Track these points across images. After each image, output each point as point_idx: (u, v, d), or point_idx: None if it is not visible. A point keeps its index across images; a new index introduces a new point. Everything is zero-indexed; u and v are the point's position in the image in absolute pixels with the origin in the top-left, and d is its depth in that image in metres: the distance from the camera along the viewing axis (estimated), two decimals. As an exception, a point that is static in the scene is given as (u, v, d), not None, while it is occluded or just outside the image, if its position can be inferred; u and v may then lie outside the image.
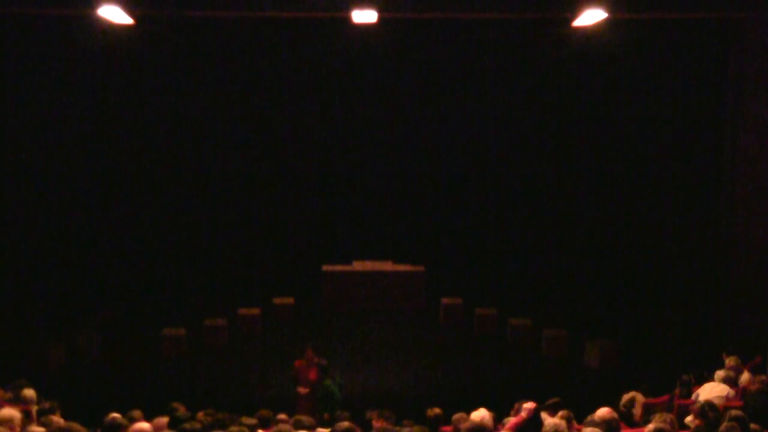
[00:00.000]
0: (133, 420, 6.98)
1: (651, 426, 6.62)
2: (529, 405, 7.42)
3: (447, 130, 18.52)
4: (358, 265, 17.73)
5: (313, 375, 11.28)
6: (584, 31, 14.02)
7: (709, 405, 6.98)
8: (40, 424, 7.18)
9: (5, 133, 16.09)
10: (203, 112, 17.96)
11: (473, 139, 18.58)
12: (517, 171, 18.51)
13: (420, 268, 17.59)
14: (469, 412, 7.75)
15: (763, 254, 13.73)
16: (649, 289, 16.74)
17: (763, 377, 9.45)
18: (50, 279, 16.55)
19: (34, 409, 8.04)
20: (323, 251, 18.35)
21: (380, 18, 12.62)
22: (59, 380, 13.08)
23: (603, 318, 16.29)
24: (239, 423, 7.53)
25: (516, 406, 7.97)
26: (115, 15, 12.17)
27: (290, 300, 16.95)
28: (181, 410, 7.91)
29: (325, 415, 10.64)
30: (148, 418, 7.55)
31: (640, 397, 10.37)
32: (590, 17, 12.46)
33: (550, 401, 8.34)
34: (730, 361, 10.43)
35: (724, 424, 6.48)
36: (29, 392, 8.52)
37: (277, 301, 16.87)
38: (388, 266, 17.70)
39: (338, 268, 17.64)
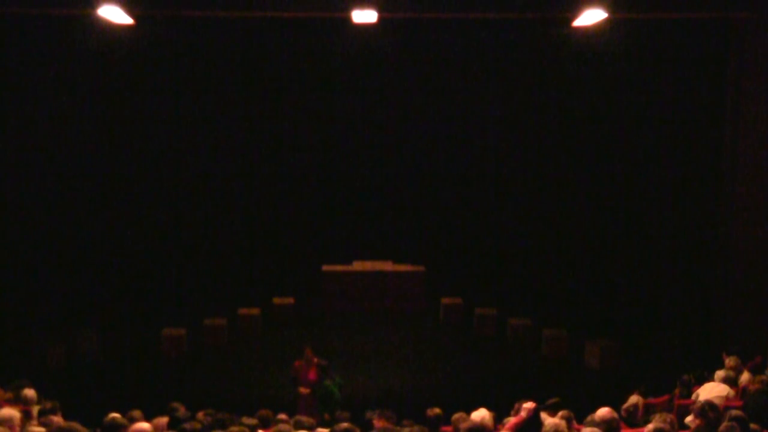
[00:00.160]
0: (133, 420, 6.98)
1: (651, 426, 6.62)
2: (529, 405, 7.42)
3: (447, 130, 18.52)
4: (358, 265, 17.73)
5: (312, 375, 11.27)
6: (584, 31, 14.02)
7: (709, 405, 6.97)
8: (41, 424, 7.19)
9: (5, 133, 16.11)
10: (203, 112, 17.95)
11: (473, 139, 18.57)
12: (517, 171, 18.51)
13: (420, 268, 17.59)
14: (469, 412, 7.75)
15: (763, 254, 13.73)
16: (649, 290, 16.74)
17: (763, 377, 9.43)
18: (50, 279, 16.55)
19: (35, 409, 8.04)
20: (323, 251, 18.35)
21: (380, 18, 12.61)
22: (59, 380, 13.08)
23: (603, 318, 16.29)
24: (239, 423, 7.53)
25: (516, 406, 7.97)
26: (115, 15, 12.16)
27: (290, 300, 16.95)
28: (181, 410, 7.91)
29: (325, 416, 10.64)
30: (148, 418, 7.56)
31: (640, 401, 10.36)
32: (590, 17, 12.45)
33: (550, 401, 8.34)
34: (730, 361, 10.42)
35: (724, 424, 6.48)
36: (29, 392, 8.52)
37: (277, 301, 16.86)
38: (388, 266, 17.70)
39: (338, 268, 17.64)
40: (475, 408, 7.89)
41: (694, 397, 9.54)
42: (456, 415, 7.53)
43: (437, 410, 7.62)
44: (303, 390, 11.24)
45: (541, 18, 14.51)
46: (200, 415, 8.45)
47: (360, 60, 17.47)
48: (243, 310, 16.18)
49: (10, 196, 16.33)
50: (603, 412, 7.48)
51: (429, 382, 13.65)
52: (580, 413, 7.94)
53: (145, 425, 6.73)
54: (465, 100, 18.28)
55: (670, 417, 6.95)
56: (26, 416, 7.52)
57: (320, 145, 18.76)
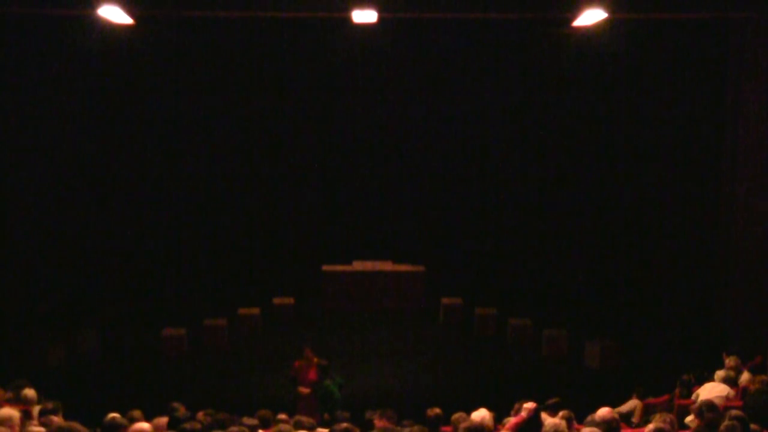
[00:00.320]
0: (133, 420, 6.98)
1: (651, 426, 6.62)
2: (529, 405, 7.42)
3: (447, 130, 18.51)
4: (358, 265, 17.72)
5: (312, 375, 11.27)
6: (584, 31, 14.03)
7: (706, 405, 6.96)
8: (41, 423, 7.19)
9: (5, 133, 16.11)
10: (203, 112, 17.95)
11: (473, 139, 18.57)
12: (517, 171, 18.51)
13: (420, 268, 17.59)
14: (469, 412, 7.75)
15: (763, 254, 13.73)
16: (650, 289, 16.74)
17: (763, 377, 9.44)
18: (50, 279, 16.56)
19: (35, 409, 8.04)
20: (323, 251, 18.35)
21: (380, 18, 12.62)
22: (59, 380, 13.06)
23: (603, 318, 16.29)
24: (239, 423, 7.52)
25: (516, 406, 7.97)
26: (115, 15, 12.17)
27: (290, 300, 16.94)
28: (181, 410, 7.91)
29: (325, 416, 10.63)
30: (148, 418, 7.56)
31: (638, 405, 10.37)
32: (590, 17, 12.46)
33: (550, 401, 8.34)
34: (730, 361, 10.43)
35: (725, 423, 6.48)
36: (29, 392, 8.52)
37: (277, 301, 16.86)
38: (388, 266, 17.70)
39: (338, 268, 17.64)
40: (475, 408, 7.88)
41: (694, 397, 9.55)
42: (456, 415, 7.53)
43: (437, 410, 7.61)
44: (303, 390, 11.23)
45: (541, 18, 14.52)
46: (200, 415, 8.44)
47: (360, 60, 17.46)
48: (243, 310, 16.18)
49: (11, 195, 16.34)
50: (603, 412, 7.49)
51: (429, 382, 13.65)
52: (580, 413, 7.94)
53: (145, 425, 6.73)
54: (465, 100, 18.27)
55: (670, 417, 6.95)
56: (26, 416, 7.51)
57: (320, 145, 18.76)
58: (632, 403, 10.36)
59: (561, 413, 7.65)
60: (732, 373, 10.02)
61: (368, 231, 18.66)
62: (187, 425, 7.02)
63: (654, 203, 17.00)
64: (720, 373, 9.95)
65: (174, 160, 18.13)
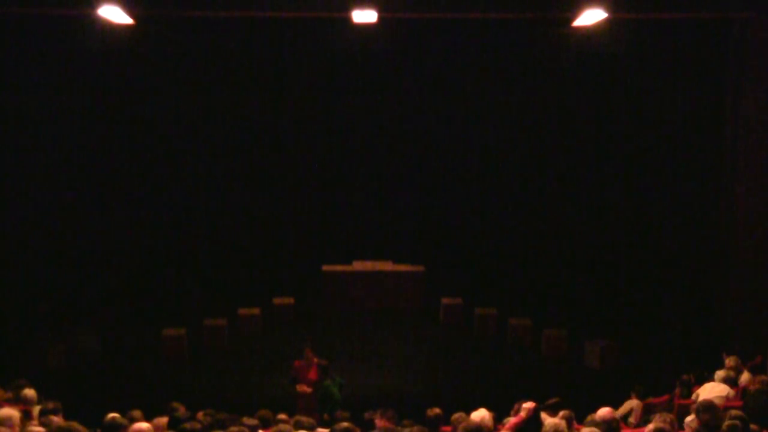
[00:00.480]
0: (133, 420, 6.97)
1: (651, 426, 6.62)
2: (528, 405, 7.42)
3: (447, 130, 18.51)
4: (358, 265, 17.72)
5: (313, 375, 11.27)
6: (584, 31, 14.02)
7: (703, 406, 6.93)
8: (41, 423, 7.18)
9: (5, 133, 16.11)
10: (203, 112, 17.95)
11: (473, 139, 18.56)
12: (517, 171, 18.50)
13: (420, 268, 17.58)
14: (469, 412, 7.75)
15: (763, 254, 13.73)
16: (650, 289, 16.74)
17: (763, 377, 9.44)
18: (50, 279, 16.56)
19: (35, 409, 8.04)
20: (323, 251, 18.34)
21: (380, 18, 12.61)
22: (59, 380, 13.07)
23: (603, 318, 16.28)
24: (239, 423, 7.52)
25: (516, 406, 7.98)
26: (115, 15, 12.16)
27: (290, 300, 16.93)
28: (181, 410, 7.91)
29: (325, 416, 10.63)
30: (148, 418, 7.55)
31: (637, 405, 10.36)
32: (590, 17, 12.45)
33: (550, 401, 8.34)
34: (730, 361, 10.44)
35: (726, 423, 6.48)
36: (29, 392, 8.52)
37: (277, 301, 16.85)
38: (388, 266, 17.69)
39: (338, 268, 17.64)
40: (475, 408, 7.89)
41: (694, 397, 9.55)
42: (456, 415, 7.53)
43: (437, 410, 7.62)
44: (306, 389, 11.19)
45: (541, 18, 14.51)
46: (200, 415, 8.44)
47: (360, 60, 17.46)
48: (243, 310, 16.17)
49: (11, 195, 16.34)
50: (603, 412, 7.50)
51: (429, 382, 13.64)
52: (580, 413, 7.94)
53: (145, 425, 6.72)
54: (465, 100, 18.27)
55: (670, 417, 6.95)
56: (26, 416, 7.52)
57: (320, 145, 18.76)
58: (630, 404, 10.35)
59: (561, 413, 7.66)
60: (732, 373, 10.02)
61: (368, 231, 18.67)
62: (187, 425, 7.01)
63: (654, 203, 16.99)
64: (720, 373, 9.96)
65: (174, 160, 18.13)
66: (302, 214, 18.83)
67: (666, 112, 16.46)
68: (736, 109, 14.12)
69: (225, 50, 17.49)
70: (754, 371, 10.28)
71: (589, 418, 7.52)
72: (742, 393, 9.58)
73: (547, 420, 7.13)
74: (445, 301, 16.96)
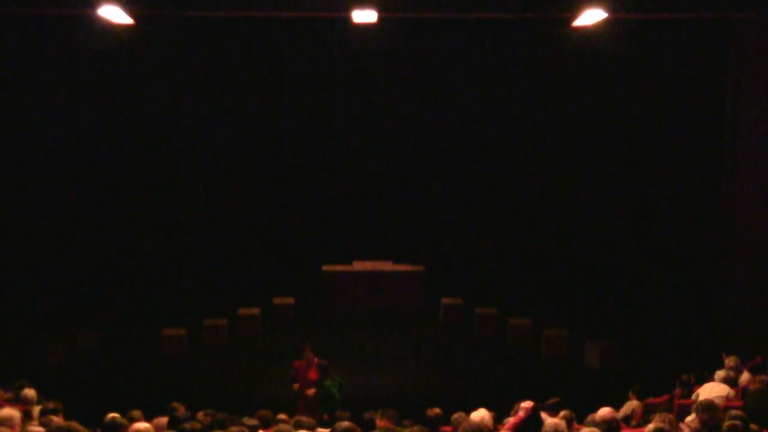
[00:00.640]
0: (133, 420, 6.98)
1: (651, 426, 6.62)
2: (526, 404, 7.42)
3: (447, 130, 18.51)
4: (358, 265, 17.72)
5: (313, 375, 11.26)
6: (584, 31, 14.02)
7: (702, 406, 6.93)
8: (41, 423, 7.19)
9: (5, 133, 16.11)
10: (203, 112, 17.95)
11: (473, 139, 18.55)
12: (517, 171, 18.51)
13: (420, 268, 17.58)
14: (469, 412, 7.76)
15: (763, 254, 13.73)
16: (649, 289, 16.74)
17: (763, 377, 9.44)
18: (50, 279, 16.56)
19: (35, 409, 8.04)
20: (323, 251, 18.34)
21: (380, 18, 12.61)
22: (59, 380, 13.08)
23: (603, 318, 16.29)
24: (239, 423, 7.53)
25: (516, 406, 7.98)
26: (115, 15, 12.16)
27: (290, 300, 16.94)
28: (181, 410, 7.92)
29: (324, 416, 10.62)
30: (148, 418, 7.56)
31: (637, 405, 10.36)
32: (590, 17, 12.45)
33: (550, 401, 8.34)
34: (730, 361, 10.43)
35: (726, 423, 6.48)
36: (29, 392, 8.53)
37: (277, 301, 16.86)
38: (388, 266, 17.69)
39: (338, 268, 17.64)
40: (475, 408, 7.89)
41: (694, 397, 9.55)
42: (456, 415, 7.53)
43: (437, 410, 7.62)
44: (309, 391, 11.16)
45: (541, 18, 14.51)
46: (200, 415, 8.45)
47: (360, 60, 17.48)
48: (243, 310, 16.17)
49: (11, 195, 16.34)
50: (603, 412, 7.50)
51: (429, 382, 13.64)
52: (580, 413, 7.94)
53: (145, 425, 6.73)
54: (465, 100, 18.27)
55: (670, 417, 6.95)
56: (26, 416, 7.52)
57: (320, 145, 18.74)
58: (630, 405, 10.35)
59: (561, 413, 7.66)
60: (732, 373, 10.02)
61: (368, 231, 18.68)
62: (187, 425, 7.02)
63: (654, 203, 16.99)
64: (720, 373, 9.96)
65: (174, 159, 18.13)
66: (302, 214, 18.83)
67: (666, 112, 16.46)
68: (737, 109, 14.12)
69: (225, 50, 17.50)
70: (754, 371, 10.27)
71: (589, 418, 7.52)
72: (742, 393, 9.58)
73: (547, 420, 7.13)
74: (445, 301, 16.97)
